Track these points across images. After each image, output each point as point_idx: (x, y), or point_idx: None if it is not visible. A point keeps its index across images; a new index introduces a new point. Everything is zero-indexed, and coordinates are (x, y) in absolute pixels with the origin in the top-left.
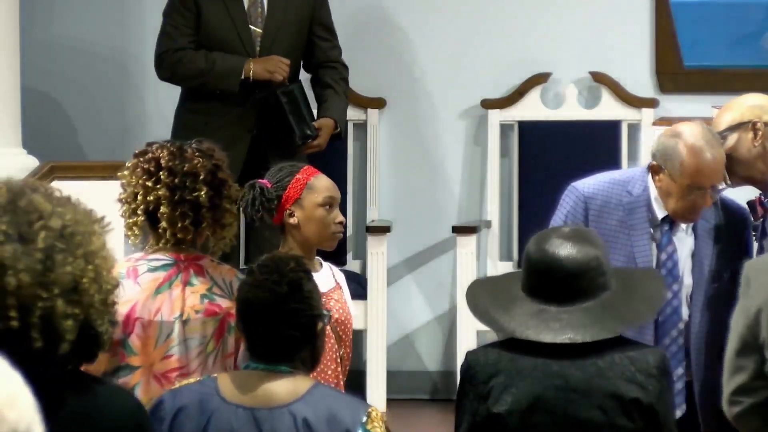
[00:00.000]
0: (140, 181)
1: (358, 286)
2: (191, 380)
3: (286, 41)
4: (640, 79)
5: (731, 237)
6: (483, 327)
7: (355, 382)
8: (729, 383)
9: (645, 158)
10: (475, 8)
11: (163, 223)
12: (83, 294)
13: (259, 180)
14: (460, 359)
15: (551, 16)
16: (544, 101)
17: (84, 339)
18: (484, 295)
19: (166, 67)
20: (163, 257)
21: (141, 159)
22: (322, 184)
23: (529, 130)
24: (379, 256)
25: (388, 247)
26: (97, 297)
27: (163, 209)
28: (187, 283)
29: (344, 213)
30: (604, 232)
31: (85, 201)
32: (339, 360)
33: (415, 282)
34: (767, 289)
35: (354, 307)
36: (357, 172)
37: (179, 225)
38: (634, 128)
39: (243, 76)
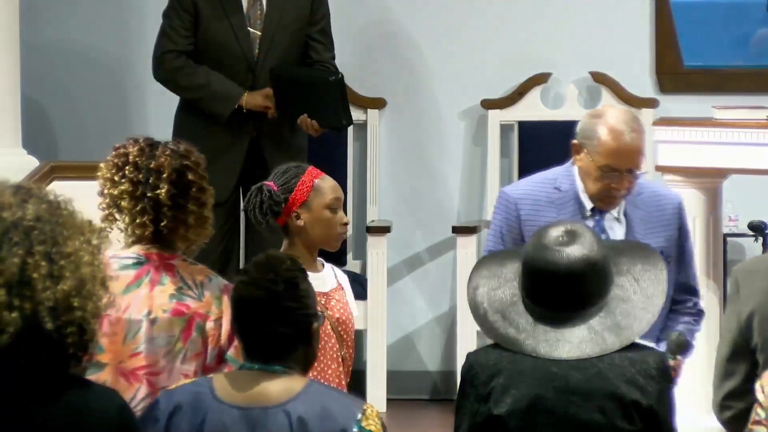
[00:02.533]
0: (108, 174)
1: (358, 286)
2: (186, 381)
3: (284, 43)
4: (640, 79)
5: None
6: None
7: (355, 382)
8: (720, 388)
9: (645, 158)
10: (475, 8)
11: (125, 217)
12: (33, 289)
13: (266, 182)
14: (460, 359)
15: (551, 16)
16: (544, 101)
17: (36, 338)
18: (484, 293)
19: (165, 71)
20: (135, 255)
21: (114, 153)
22: (328, 185)
23: (529, 130)
24: (379, 256)
25: (388, 247)
26: (49, 294)
27: (124, 204)
28: (156, 282)
29: (344, 213)
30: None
31: (85, 201)
32: (340, 360)
33: (415, 282)
34: (758, 293)
35: (355, 307)
36: (357, 172)
37: (138, 220)
38: None
39: (236, 105)
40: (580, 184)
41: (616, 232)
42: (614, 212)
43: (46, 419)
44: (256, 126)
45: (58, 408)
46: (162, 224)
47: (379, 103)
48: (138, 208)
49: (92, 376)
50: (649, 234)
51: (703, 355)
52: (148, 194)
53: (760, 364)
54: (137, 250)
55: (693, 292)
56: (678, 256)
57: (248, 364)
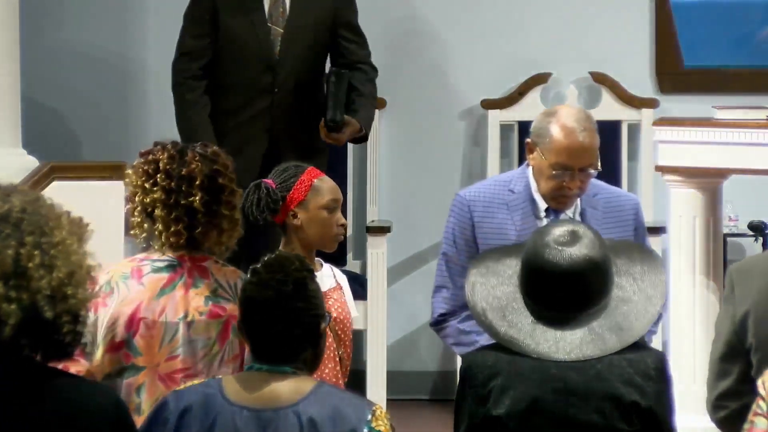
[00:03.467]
0: (139, 182)
1: (358, 286)
2: (195, 381)
3: (305, 42)
4: (640, 79)
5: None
6: None
7: (355, 382)
8: (714, 388)
9: (645, 158)
10: (475, 8)
11: (159, 225)
12: (29, 279)
13: (264, 180)
14: (460, 359)
15: (551, 16)
16: (544, 101)
17: (36, 329)
18: (483, 291)
19: (173, 80)
20: (167, 258)
21: (143, 159)
22: (326, 186)
23: (529, 130)
24: (379, 256)
25: (388, 247)
26: (45, 283)
27: (158, 212)
28: (191, 285)
29: (344, 213)
30: (492, 229)
31: (85, 201)
32: (338, 359)
33: (415, 282)
34: (753, 292)
35: (354, 308)
36: (357, 172)
37: (172, 228)
38: (634, 128)
39: None
40: (533, 185)
41: None
42: (569, 212)
43: (44, 416)
44: (274, 123)
45: (55, 405)
46: (197, 231)
47: (379, 103)
48: (172, 217)
49: (130, 379)
50: (605, 234)
51: (704, 355)
52: (182, 202)
53: (754, 365)
54: (169, 253)
55: None
56: None
57: (257, 365)
